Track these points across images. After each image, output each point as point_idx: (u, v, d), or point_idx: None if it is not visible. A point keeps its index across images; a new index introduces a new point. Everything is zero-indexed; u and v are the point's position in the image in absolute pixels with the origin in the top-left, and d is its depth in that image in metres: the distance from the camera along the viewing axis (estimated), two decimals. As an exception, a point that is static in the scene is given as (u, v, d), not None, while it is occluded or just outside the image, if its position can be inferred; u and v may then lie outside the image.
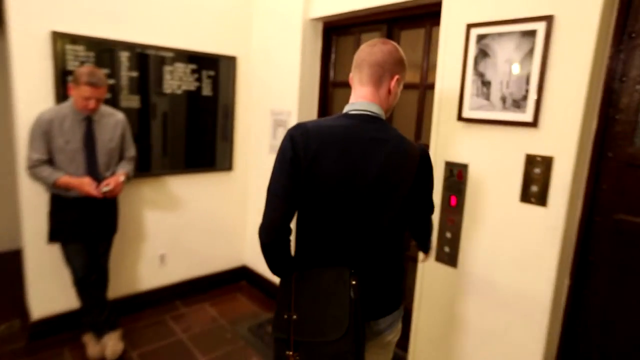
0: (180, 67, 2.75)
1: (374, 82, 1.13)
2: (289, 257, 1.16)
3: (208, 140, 2.98)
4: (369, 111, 1.11)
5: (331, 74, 2.84)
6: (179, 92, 2.77)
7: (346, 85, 2.65)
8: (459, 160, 1.85)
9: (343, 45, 2.77)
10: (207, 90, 2.91)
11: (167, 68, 2.69)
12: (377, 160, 1.06)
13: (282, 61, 2.85)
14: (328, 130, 1.07)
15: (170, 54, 2.68)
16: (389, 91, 1.14)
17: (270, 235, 1.11)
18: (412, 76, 2.36)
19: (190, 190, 2.97)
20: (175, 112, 2.78)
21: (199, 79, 2.86)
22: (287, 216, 1.10)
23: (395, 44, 1.16)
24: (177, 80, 2.74)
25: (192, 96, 2.84)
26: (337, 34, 2.78)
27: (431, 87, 2.24)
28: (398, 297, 1.23)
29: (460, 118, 1.81)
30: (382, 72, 1.12)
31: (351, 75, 1.20)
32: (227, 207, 3.22)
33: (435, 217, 1.96)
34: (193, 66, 2.81)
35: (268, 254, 1.14)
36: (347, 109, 1.15)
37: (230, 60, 2.99)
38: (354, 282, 1.05)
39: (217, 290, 3.23)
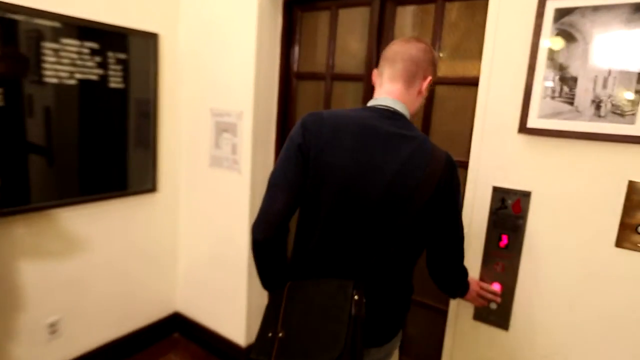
0: (72, 46, 1.81)
1: (407, 79, 1.04)
2: (283, 262, 1.05)
3: (116, 151, 2.07)
4: (392, 107, 1.02)
5: (295, 62, 2.15)
6: (70, 81, 1.83)
7: (316, 78, 2.00)
8: (516, 186, 1.34)
9: (311, 24, 2.10)
10: (115, 81, 2.00)
11: (48, 45, 1.73)
12: (399, 156, 0.95)
13: (230, 44, 2.08)
14: (344, 120, 0.99)
15: (53, 24, 1.73)
16: (419, 92, 1.07)
17: (266, 232, 0.99)
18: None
19: (92, 225, 2.05)
20: (64, 111, 1.84)
21: (103, 65, 1.94)
22: (287, 211, 0.99)
23: (428, 42, 1.10)
24: (67, 64, 1.80)
25: (93, 88, 1.92)
26: (302, 8, 2.09)
27: (444, 82, 1.71)
28: (398, 324, 1.11)
29: (522, 129, 1.29)
30: (416, 70, 1.04)
31: (377, 71, 1.11)
32: (150, 241, 2.34)
33: (476, 261, 1.44)
34: (92, 45, 1.88)
35: (260, 255, 1.03)
36: (369, 103, 1.07)
37: (149, 39, 2.11)
38: (356, 297, 0.92)
39: (142, 354, 2.36)
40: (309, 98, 2.14)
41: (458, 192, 1.02)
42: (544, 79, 1.23)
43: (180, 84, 2.30)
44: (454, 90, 1.72)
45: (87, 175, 1.95)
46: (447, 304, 1.68)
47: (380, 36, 1.86)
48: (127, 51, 2.03)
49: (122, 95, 2.04)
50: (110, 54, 1.95)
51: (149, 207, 2.29)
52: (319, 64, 2.08)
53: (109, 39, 1.94)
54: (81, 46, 1.84)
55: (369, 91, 1.90)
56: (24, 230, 1.80)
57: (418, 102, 1.09)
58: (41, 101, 1.75)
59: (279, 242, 1.00)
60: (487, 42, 1.37)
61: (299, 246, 1.07)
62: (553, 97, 1.22)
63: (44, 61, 1.73)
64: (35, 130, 1.75)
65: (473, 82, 1.66)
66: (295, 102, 2.18)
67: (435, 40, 1.72)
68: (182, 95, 2.31)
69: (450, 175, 0.99)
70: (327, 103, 2.05)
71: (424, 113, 1.77)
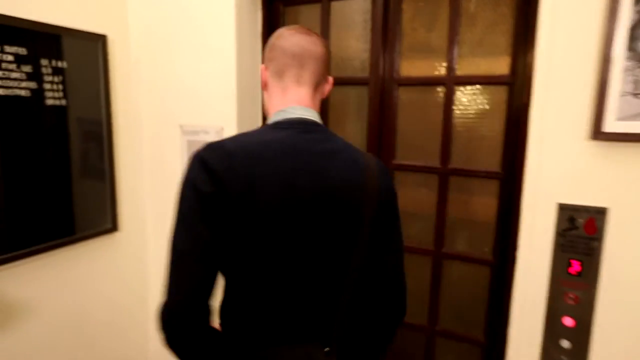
0: (-11, 51, 1.34)
1: (315, 83, 0.88)
2: (215, 349, 0.76)
3: (56, 187, 1.61)
4: (308, 118, 0.84)
5: (280, 66, 1.82)
6: (-10, 100, 1.36)
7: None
8: (588, 202, 1.13)
9: (298, 20, 1.78)
10: (54, 96, 1.54)
11: (-46, 51, 1.26)
12: (331, 180, 0.78)
13: (202, 46, 1.70)
14: (259, 148, 0.76)
15: (-41, 22, 1.26)
16: (322, 96, 0.93)
17: (183, 323, 0.71)
18: (428, 65, 1.57)
19: (32, 287, 1.56)
20: (-15, 142, 1.36)
21: (35, 76, 1.48)
22: (207, 285, 0.73)
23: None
24: (-17, 76, 1.33)
25: (22, 107, 1.45)
26: (285, 2, 1.77)
27: (464, 82, 1.49)
28: None
29: (597, 134, 1.08)
30: (323, 72, 0.90)
31: (268, 66, 0.91)
32: (113, 293, 1.87)
33: (541, 291, 1.21)
34: (17, 50, 1.42)
35: (182, 354, 0.73)
36: (275, 118, 0.85)
37: (95, 42, 1.67)
38: None
39: None
40: (299, 107, 1.82)
41: (395, 208, 0.90)
42: (624, 72, 1.03)
43: (138, 98, 1.87)
44: (477, 91, 1.50)
45: (17, 222, 1.47)
46: (486, 334, 1.45)
47: (385, 33, 1.59)
48: (66, 57, 1.58)
49: (62, 114, 1.58)
50: (43, 61, 1.50)
51: (110, 251, 1.82)
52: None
53: (40, 43, 1.48)
54: (2, 52, 1.38)
55: (377, 96, 1.62)
56: None
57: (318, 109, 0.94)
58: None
59: (202, 331, 0.74)
60: (541, 30, 1.15)
61: (234, 317, 0.83)
62: (636, 95, 1.02)
63: (-51, 73, 1.25)
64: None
65: (501, 81, 1.45)
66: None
67: (453, 34, 1.49)
68: (142, 111, 1.88)
69: (387, 183, 0.87)
70: (325, 112, 1.74)
71: (443, 118, 1.53)
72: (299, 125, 0.82)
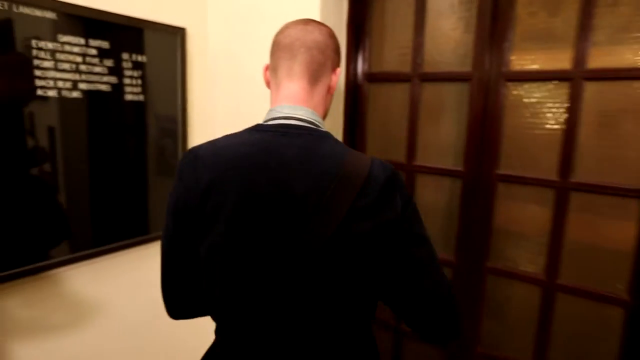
0: (74, 45, 1.31)
1: (312, 74, 0.80)
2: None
3: (134, 185, 1.56)
4: (295, 117, 0.76)
5: (365, 60, 1.64)
6: (73, 94, 1.33)
7: (397, 79, 1.49)
8: None
9: (388, 8, 1.59)
10: (132, 92, 1.50)
11: (42, 45, 1.24)
12: (291, 188, 0.70)
13: (281, 36, 1.57)
14: (225, 154, 0.73)
15: (45, 15, 1.24)
16: (329, 89, 0.83)
17: (166, 301, 0.84)
18: (548, 57, 1.30)
19: (106, 284, 1.53)
20: (67, 136, 1.33)
21: (116, 70, 1.44)
22: (173, 272, 0.79)
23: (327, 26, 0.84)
24: (68, 71, 1.30)
25: (104, 102, 1.42)
26: (375, -11, 1.59)
27: (599, 76, 1.20)
28: None
29: None
30: (324, 61, 0.81)
31: (269, 65, 0.86)
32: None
33: None
34: (101, 44, 1.38)
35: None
36: (265, 118, 0.81)
37: (174, 35, 1.61)
38: None
39: None
40: (386, 106, 1.63)
41: (411, 222, 0.75)
42: None
43: (214, 95, 1.80)
44: (615, 87, 1.21)
45: (101, 219, 1.44)
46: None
47: (494, 19, 1.35)
48: (146, 51, 1.53)
49: (140, 110, 1.54)
50: (124, 55, 1.45)
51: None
52: (399, 61, 1.57)
53: (122, 36, 1.44)
54: (86, 46, 1.34)
55: (480, 94, 1.38)
56: (17, 300, 1.29)
57: (328, 102, 0.86)
58: (42, 121, 1.25)
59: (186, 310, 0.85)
60: None
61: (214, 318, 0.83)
62: None
63: (36, 67, 1.23)
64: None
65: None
66: (366, 111, 1.67)
67: (586, 18, 1.21)
68: (218, 108, 1.80)
69: (387, 195, 0.71)
70: (415, 112, 1.54)
71: (567, 120, 1.26)
72: (278, 127, 0.76)
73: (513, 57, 1.35)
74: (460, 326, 0.80)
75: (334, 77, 0.83)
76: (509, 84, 1.36)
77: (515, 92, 1.36)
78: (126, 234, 1.54)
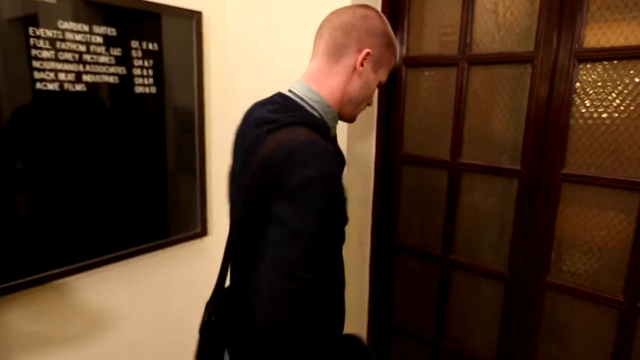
0: (76, 32, 1.18)
1: (332, 52, 0.81)
2: None
3: (151, 184, 1.43)
4: (291, 90, 0.83)
5: (404, 42, 1.43)
6: (77, 87, 1.20)
7: (440, 63, 1.28)
8: None
9: (430, -19, 1.37)
10: (144, 83, 1.36)
11: (40, 32, 1.11)
12: (244, 147, 0.81)
13: (309, 24, 1.39)
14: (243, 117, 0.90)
15: (45, -1, 1.11)
16: (354, 69, 0.81)
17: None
18: (635, 30, 1.05)
19: (119, 293, 1.42)
20: (69, 133, 1.21)
21: (125, 60, 1.30)
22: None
23: (381, 14, 0.84)
24: (70, 61, 1.17)
25: (111, 95, 1.28)
26: (415, -41, 1.37)
27: None
28: None
29: None
30: (347, 41, 0.81)
31: None
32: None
33: None
34: (107, 30, 1.25)
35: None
36: None
37: (190, 20, 1.46)
38: None
39: None
40: (428, 94, 1.42)
41: (291, 201, 0.66)
42: None
43: (234, 85, 1.64)
44: None
45: (111, 223, 1.32)
46: None
47: (565, -14, 1.11)
48: (160, 39, 1.38)
49: (154, 103, 1.40)
50: (134, 43, 1.31)
51: (198, 258, 1.64)
52: (444, 41, 1.35)
53: (130, 22, 1.30)
54: (90, 33, 1.21)
55: (545, 78, 1.15)
56: (21, 313, 1.20)
57: (356, 83, 0.83)
58: (34, 119, 1.13)
59: None
60: None
61: None
62: None
63: (35, 57, 1.11)
64: (29, 172, 1.14)
65: None
66: (404, 101, 1.46)
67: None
68: (238, 100, 1.64)
69: (276, 169, 0.67)
70: (462, 101, 1.32)
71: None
72: (269, 97, 0.85)
73: (588, 32, 1.11)
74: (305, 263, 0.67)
75: (358, 57, 0.81)
76: (583, 64, 1.12)
77: (589, 75, 1.12)
78: (142, 239, 1.42)
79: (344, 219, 0.76)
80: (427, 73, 1.40)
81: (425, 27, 1.38)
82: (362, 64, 0.81)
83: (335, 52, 0.81)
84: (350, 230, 1.43)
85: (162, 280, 1.53)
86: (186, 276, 1.60)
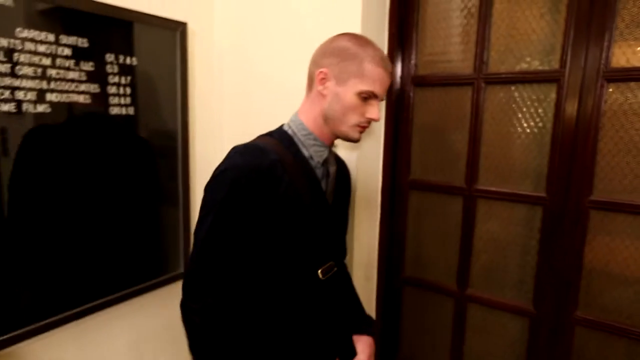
0: (40, 43, 0.98)
1: (307, 84, 0.91)
2: None
3: (124, 219, 1.22)
4: (285, 126, 0.91)
5: (412, 60, 1.32)
6: (38, 108, 0.99)
7: (454, 82, 1.19)
8: None
9: (439, -5, 1.28)
10: (120, 103, 1.16)
11: (-7, 41, 0.91)
12: None
13: (306, 43, 1.25)
14: None
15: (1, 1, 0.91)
16: (319, 93, 0.86)
17: None
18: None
19: (92, 351, 1.18)
20: (33, 163, 0.99)
21: (97, 76, 1.10)
22: None
23: (351, 34, 0.87)
24: (30, 76, 0.97)
25: (81, 118, 1.08)
26: (423, -29, 1.28)
27: None
28: None
29: None
30: (311, 69, 0.89)
31: None
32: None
33: None
34: (78, 41, 1.05)
35: None
36: None
37: (173, 32, 1.28)
38: None
39: None
40: (439, 116, 1.31)
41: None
42: None
43: (223, 102, 1.47)
44: None
45: (72, 272, 1.10)
46: None
47: (590, 4, 1.04)
48: (140, 52, 1.20)
49: (132, 126, 1.20)
50: (109, 57, 1.12)
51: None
52: (457, 59, 1.25)
53: (107, 32, 1.11)
54: (57, 43, 1.01)
55: (573, 98, 1.08)
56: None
57: (325, 102, 0.85)
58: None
59: None
60: None
61: None
62: None
63: (-15, 72, 0.90)
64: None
65: None
66: (412, 122, 1.35)
67: None
68: (226, 117, 1.47)
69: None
70: (478, 122, 1.22)
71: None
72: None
73: (616, 50, 1.04)
74: (185, 289, 0.81)
75: (316, 80, 0.86)
76: (611, 84, 1.05)
77: (618, 95, 1.05)
78: (112, 287, 1.20)
79: (259, 225, 0.80)
80: (438, 93, 1.30)
81: (436, 44, 1.28)
82: (321, 84, 0.85)
83: (309, 83, 0.89)
84: (356, 263, 1.29)
85: (136, 333, 1.30)
86: (166, 325, 1.38)
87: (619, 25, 1.03)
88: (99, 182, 1.13)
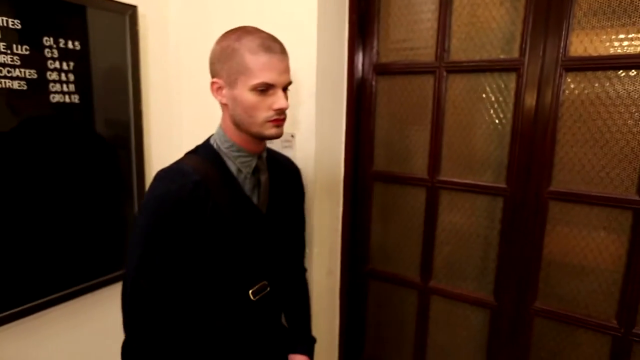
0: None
1: None
2: None
3: (70, 215, 1.16)
4: (211, 139, 0.88)
5: (373, 47, 1.29)
6: (-35, 96, 0.91)
7: (416, 70, 1.16)
8: None
9: (401, -19, 1.24)
10: (60, 90, 1.09)
11: None
12: None
13: (271, 29, 1.20)
14: None
15: None
16: (221, 103, 0.85)
17: None
18: (626, 37, 0.99)
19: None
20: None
21: (33, 61, 1.02)
22: None
23: (232, 29, 0.83)
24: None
25: (17, 104, 1.00)
26: (384, -45, 1.23)
27: None
28: None
29: None
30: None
31: None
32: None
33: None
34: (8, 22, 0.97)
35: None
36: None
37: (121, 16, 1.21)
38: None
39: None
40: (401, 106, 1.28)
41: None
42: None
43: (178, 93, 1.40)
44: None
45: (15, 269, 1.03)
46: None
47: (549, -11, 1.02)
48: (84, 36, 1.12)
49: (78, 115, 1.13)
50: (47, 40, 1.04)
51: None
52: (419, 47, 1.22)
53: (43, 13, 1.03)
54: (-16, 24, 0.93)
55: (532, 88, 1.06)
56: None
57: (230, 110, 0.82)
58: None
59: None
60: None
61: None
62: None
63: None
64: None
65: None
66: (374, 112, 1.32)
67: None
68: (183, 111, 1.41)
69: None
70: (439, 112, 1.20)
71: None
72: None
73: (574, 39, 1.03)
74: (125, 321, 0.80)
75: (213, 92, 0.84)
76: (570, 74, 1.04)
77: (576, 85, 1.04)
78: (58, 285, 1.13)
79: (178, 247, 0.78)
80: (399, 81, 1.26)
81: (398, 32, 1.25)
82: (218, 94, 0.82)
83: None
84: (317, 256, 1.26)
85: (80, 334, 1.24)
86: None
87: (576, 14, 1.01)
88: (43, 175, 1.05)
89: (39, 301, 1.09)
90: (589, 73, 1.02)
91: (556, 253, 1.14)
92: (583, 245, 1.09)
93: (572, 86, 1.05)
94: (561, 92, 1.05)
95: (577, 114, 1.05)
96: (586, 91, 1.03)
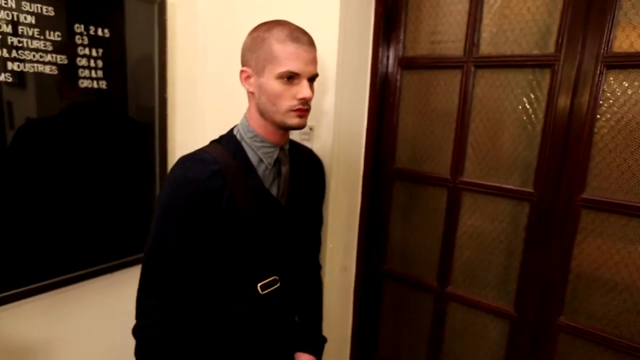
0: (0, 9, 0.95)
1: None
2: None
3: (97, 197, 1.20)
4: (235, 129, 0.89)
5: (399, 41, 1.24)
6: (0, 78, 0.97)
7: (442, 65, 1.10)
8: None
9: (432, -30, 1.18)
10: (91, 76, 1.13)
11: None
12: None
13: (296, 19, 1.19)
14: None
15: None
16: (249, 92, 0.86)
17: None
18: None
19: (55, 327, 1.18)
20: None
21: (65, 47, 1.07)
22: None
23: (263, 22, 0.84)
24: (-11, 43, 0.94)
25: (48, 89, 1.05)
26: (415, -57, 1.18)
27: None
28: None
29: None
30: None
31: None
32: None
33: None
34: (42, 8, 1.02)
35: None
36: None
37: (150, 5, 1.24)
38: None
39: None
40: (426, 102, 1.23)
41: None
42: None
43: (204, 82, 1.42)
44: None
45: (42, 247, 1.09)
46: None
47: (593, -22, 0.94)
48: (113, 24, 1.16)
49: (101, 100, 1.17)
50: (78, 27, 1.09)
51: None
52: (447, 41, 1.16)
53: (75, 1, 1.07)
54: (18, 10, 0.98)
55: (564, 85, 0.98)
56: None
57: (256, 99, 0.83)
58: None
59: None
60: None
61: None
62: None
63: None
64: None
65: None
66: (398, 108, 1.28)
67: None
68: (207, 101, 1.43)
69: None
70: (466, 109, 1.13)
71: None
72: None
73: (619, 34, 0.94)
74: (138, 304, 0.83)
75: (242, 80, 0.85)
76: (612, 71, 0.95)
77: (619, 85, 0.95)
78: (83, 263, 1.19)
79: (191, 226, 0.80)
80: (425, 76, 1.21)
81: (426, 24, 1.20)
82: (246, 82, 0.84)
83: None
84: (331, 252, 1.24)
85: (108, 312, 1.29)
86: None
87: (623, 5, 0.92)
88: (71, 157, 1.10)
89: (66, 276, 1.14)
90: (634, 71, 0.93)
91: (586, 266, 1.05)
92: (617, 259, 1.00)
93: (613, 85, 0.96)
94: (600, 92, 0.96)
95: (617, 115, 0.96)
96: (629, 91, 0.94)
